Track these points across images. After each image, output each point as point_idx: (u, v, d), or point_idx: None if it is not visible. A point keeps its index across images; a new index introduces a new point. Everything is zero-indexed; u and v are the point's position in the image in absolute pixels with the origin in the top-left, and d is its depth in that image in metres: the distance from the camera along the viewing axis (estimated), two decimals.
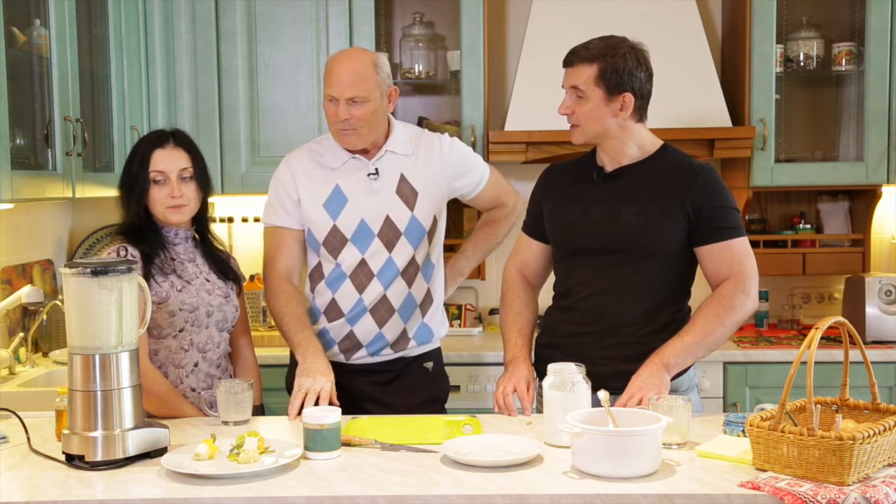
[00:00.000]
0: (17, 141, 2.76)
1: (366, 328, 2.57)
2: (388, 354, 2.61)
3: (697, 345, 2.25)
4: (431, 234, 2.61)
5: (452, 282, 2.82)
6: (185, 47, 3.62)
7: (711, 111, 3.58)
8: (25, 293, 3.07)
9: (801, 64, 3.75)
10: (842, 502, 1.70)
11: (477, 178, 2.70)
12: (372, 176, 2.56)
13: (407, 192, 2.57)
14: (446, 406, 2.74)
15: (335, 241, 2.54)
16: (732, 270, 2.28)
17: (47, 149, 2.90)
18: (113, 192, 3.33)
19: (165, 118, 3.60)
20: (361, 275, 2.55)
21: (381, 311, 2.56)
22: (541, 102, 3.56)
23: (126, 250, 2.35)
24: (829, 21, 3.78)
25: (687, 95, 3.57)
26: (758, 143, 3.61)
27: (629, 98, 2.29)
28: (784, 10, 3.69)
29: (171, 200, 2.39)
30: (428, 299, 2.64)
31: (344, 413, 2.18)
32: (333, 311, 2.58)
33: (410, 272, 2.58)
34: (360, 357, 2.60)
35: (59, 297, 3.30)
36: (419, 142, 2.63)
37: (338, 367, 2.52)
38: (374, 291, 2.55)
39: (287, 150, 3.62)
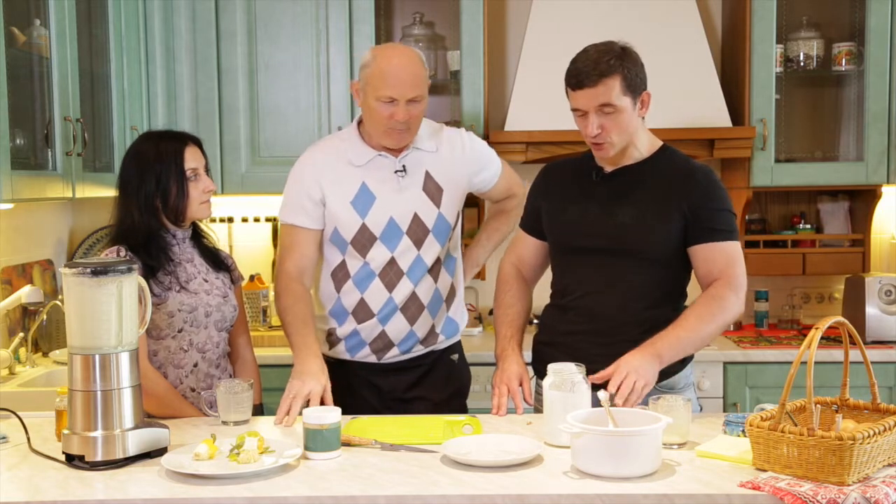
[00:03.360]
0: (17, 141, 2.76)
1: (398, 327, 2.55)
2: (418, 350, 2.61)
3: (689, 341, 2.27)
4: (454, 228, 2.61)
5: (469, 271, 2.81)
6: (185, 47, 3.62)
7: (711, 111, 3.59)
8: (25, 293, 3.07)
9: (801, 64, 3.76)
10: (842, 502, 1.70)
11: (494, 171, 2.70)
12: (399, 173, 2.52)
13: (433, 189, 2.55)
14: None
15: (364, 240, 2.51)
16: (723, 272, 2.29)
17: (47, 149, 2.90)
18: (113, 192, 3.34)
19: (165, 118, 3.61)
20: (391, 273, 2.52)
21: (412, 308, 2.55)
22: (541, 102, 3.57)
23: (125, 250, 2.36)
24: (829, 21, 3.78)
25: (687, 95, 3.57)
26: (758, 143, 3.61)
27: (647, 95, 2.31)
28: (784, 10, 3.69)
29: (206, 195, 2.44)
30: (452, 293, 2.64)
31: (374, 412, 2.17)
32: (362, 311, 2.55)
33: (436, 268, 2.57)
34: (393, 356, 2.59)
35: (59, 297, 3.30)
36: (440, 137, 2.61)
37: (369, 368, 2.54)
38: (404, 290, 2.53)
39: (287, 150, 3.67)
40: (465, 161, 2.61)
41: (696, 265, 2.34)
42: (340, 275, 2.57)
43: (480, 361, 3.43)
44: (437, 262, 2.57)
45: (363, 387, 2.59)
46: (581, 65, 2.27)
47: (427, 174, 2.55)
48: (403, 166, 2.53)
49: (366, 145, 2.53)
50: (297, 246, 2.54)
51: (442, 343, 2.65)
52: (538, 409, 2.41)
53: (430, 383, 2.63)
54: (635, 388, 2.14)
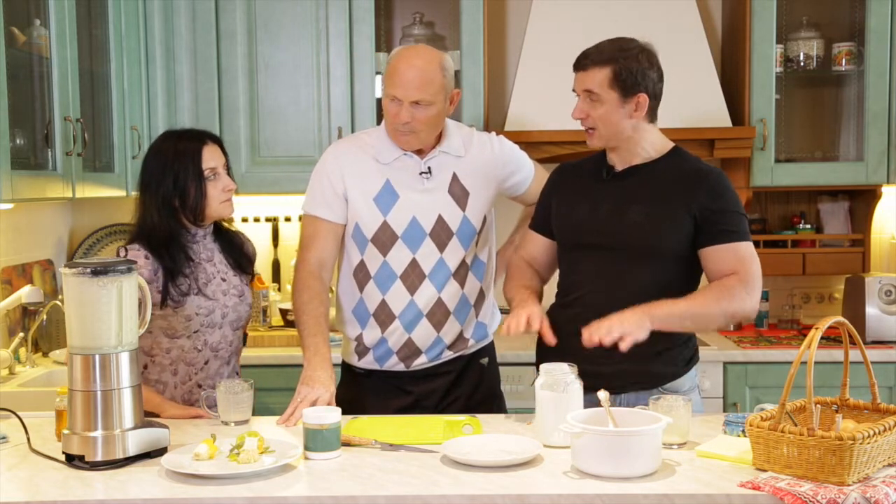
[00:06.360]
0: (17, 141, 2.76)
1: (424, 334, 2.52)
2: (447, 356, 2.58)
3: (687, 314, 2.25)
4: (480, 233, 2.58)
5: (501, 271, 2.75)
6: (185, 47, 3.62)
7: (711, 111, 3.59)
8: (25, 293, 3.07)
9: (801, 64, 3.76)
10: (842, 502, 1.70)
11: (526, 175, 2.66)
12: (424, 175, 2.51)
13: (458, 192, 2.52)
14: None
15: (385, 238, 2.49)
16: (735, 270, 2.27)
17: (47, 149, 2.90)
18: (113, 192, 3.33)
19: (165, 118, 3.60)
20: (413, 275, 2.50)
21: (438, 315, 2.52)
22: (541, 102, 3.57)
23: (126, 251, 2.36)
24: (829, 21, 3.78)
25: (687, 95, 3.56)
26: (758, 143, 3.61)
27: (644, 98, 2.28)
28: (784, 10, 3.69)
29: (226, 194, 2.44)
30: (481, 297, 2.60)
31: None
32: (383, 313, 2.52)
33: (461, 272, 2.54)
34: (421, 363, 2.55)
35: (59, 297, 3.30)
36: (470, 142, 2.59)
37: (398, 376, 2.53)
38: (427, 294, 2.50)
39: (287, 150, 3.68)
40: (494, 165, 2.59)
41: (706, 267, 2.33)
42: (361, 275, 2.54)
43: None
44: (463, 266, 2.54)
45: (395, 395, 2.56)
46: (587, 49, 2.32)
47: (454, 177, 2.53)
48: (429, 168, 2.51)
49: (393, 145, 2.51)
50: (318, 238, 2.52)
51: (472, 347, 2.62)
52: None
53: (462, 390, 2.60)
54: (611, 329, 2.14)
